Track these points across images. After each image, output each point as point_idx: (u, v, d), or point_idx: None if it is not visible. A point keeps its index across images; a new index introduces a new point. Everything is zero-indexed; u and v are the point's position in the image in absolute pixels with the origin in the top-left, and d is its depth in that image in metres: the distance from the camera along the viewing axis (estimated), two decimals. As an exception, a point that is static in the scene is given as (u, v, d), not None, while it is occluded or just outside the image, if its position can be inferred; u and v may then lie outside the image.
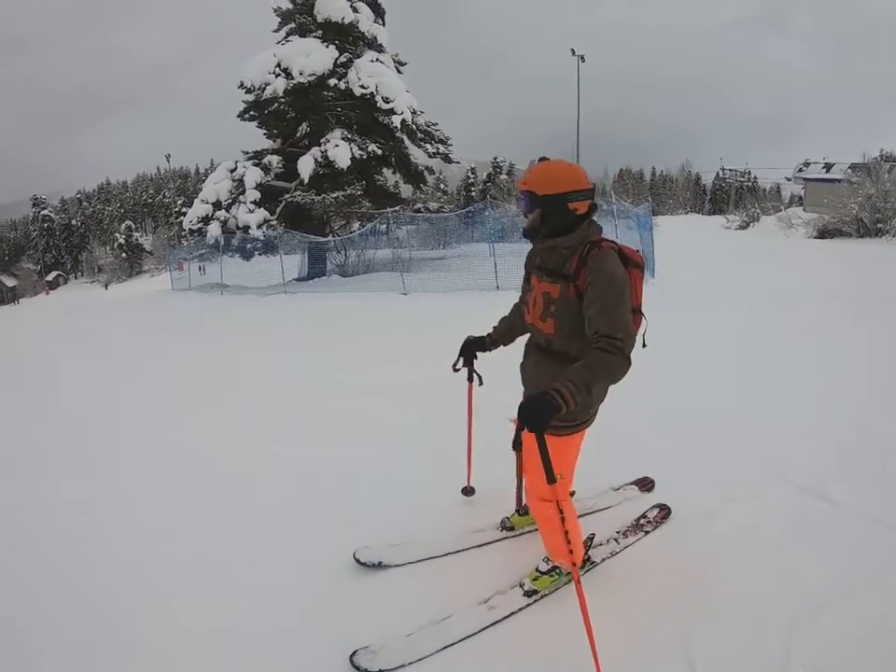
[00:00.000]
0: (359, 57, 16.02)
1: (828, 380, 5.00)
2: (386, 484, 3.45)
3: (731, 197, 55.12)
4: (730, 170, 64.78)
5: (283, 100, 15.50)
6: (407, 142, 16.86)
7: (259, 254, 16.33)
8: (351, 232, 17.24)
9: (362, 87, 15.36)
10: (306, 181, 15.21)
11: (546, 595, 2.46)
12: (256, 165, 16.00)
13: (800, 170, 34.12)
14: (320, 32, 15.98)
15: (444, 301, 10.36)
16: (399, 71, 17.46)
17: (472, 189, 56.85)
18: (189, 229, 16.17)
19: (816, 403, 4.48)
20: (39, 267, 75.46)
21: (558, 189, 2.11)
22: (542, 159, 2.27)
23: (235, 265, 16.28)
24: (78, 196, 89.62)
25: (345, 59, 15.81)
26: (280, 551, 2.87)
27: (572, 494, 2.57)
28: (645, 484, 3.26)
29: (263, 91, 15.42)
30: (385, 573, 2.68)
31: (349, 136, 15.58)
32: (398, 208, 15.43)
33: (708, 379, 5.19)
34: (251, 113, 16.47)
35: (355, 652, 2.18)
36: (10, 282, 72.46)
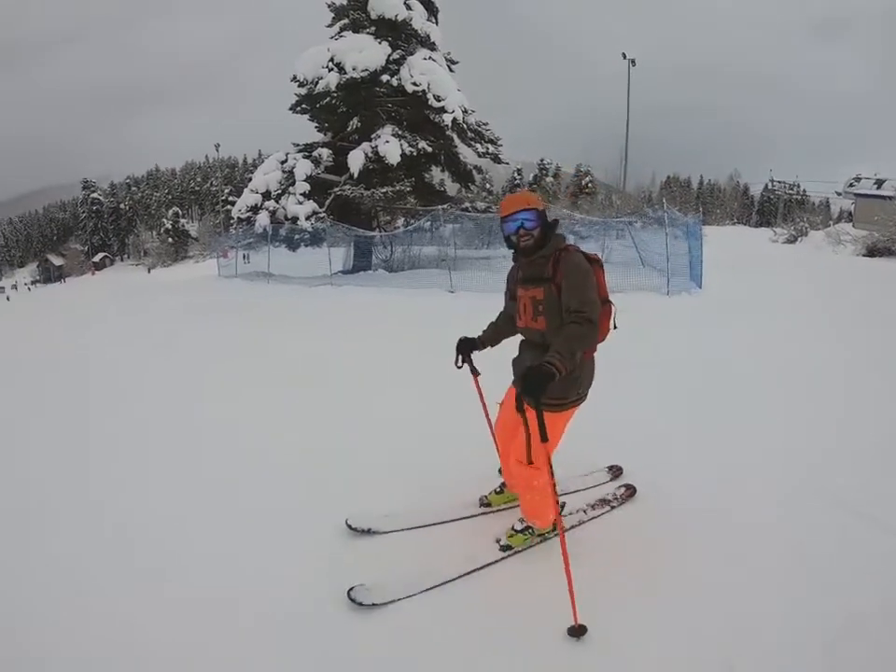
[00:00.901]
0: (412, 54, 16.09)
1: (849, 392, 5.02)
2: (407, 478, 3.59)
3: (779, 210, 53.82)
4: (779, 182, 63.25)
5: (335, 94, 15.70)
6: (457, 140, 16.90)
7: (306, 245, 16.52)
8: (396, 228, 17.35)
9: (414, 84, 15.44)
10: (356, 175, 15.35)
11: (519, 551, 2.83)
12: (306, 158, 16.18)
13: (850, 185, 33.18)
14: (373, 28, 16.09)
15: (491, 301, 10.21)
16: (450, 69, 17.49)
17: (518, 189, 56.67)
18: (238, 217, 16.45)
19: (838, 411, 4.52)
20: (87, 248, 77.80)
21: (542, 204, 2.69)
22: (514, 187, 2.51)
23: (281, 255, 16.47)
24: (127, 181, 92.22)
25: (398, 56, 15.91)
26: (291, 547, 2.96)
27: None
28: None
29: (316, 85, 15.62)
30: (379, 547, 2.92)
31: (399, 133, 15.68)
32: (446, 206, 15.45)
33: (735, 387, 5.25)
34: (303, 106, 16.71)
35: (352, 588, 2.47)
36: (58, 261, 75.05)
